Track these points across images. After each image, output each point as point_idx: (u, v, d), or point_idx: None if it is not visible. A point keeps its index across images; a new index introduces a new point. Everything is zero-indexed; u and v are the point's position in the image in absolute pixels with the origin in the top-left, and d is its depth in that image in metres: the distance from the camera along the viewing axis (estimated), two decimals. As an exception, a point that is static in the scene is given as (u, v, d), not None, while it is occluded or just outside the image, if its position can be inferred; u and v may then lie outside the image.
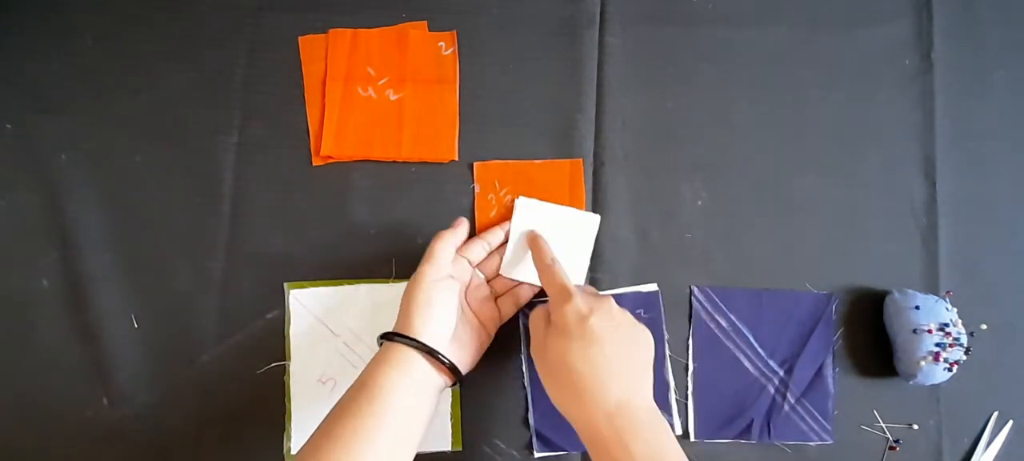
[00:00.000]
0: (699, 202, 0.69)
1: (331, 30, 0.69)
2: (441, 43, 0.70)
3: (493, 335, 0.61)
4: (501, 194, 0.67)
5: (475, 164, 0.68)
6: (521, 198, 0.64)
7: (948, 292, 0.67)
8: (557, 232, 0.63)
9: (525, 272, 0.63)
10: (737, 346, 0.67)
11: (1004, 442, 0.67)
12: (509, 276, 0.64)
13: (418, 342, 0.54)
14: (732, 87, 0.70)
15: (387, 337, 0.55)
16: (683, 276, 0.67)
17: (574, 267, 0.64)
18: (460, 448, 0.65)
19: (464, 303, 0.61)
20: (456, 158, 0.68)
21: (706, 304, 0.67)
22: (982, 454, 0.67)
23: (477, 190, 0.67)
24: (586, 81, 0.69)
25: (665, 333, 0.66)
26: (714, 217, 0.68)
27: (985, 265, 0.69)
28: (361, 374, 0.54)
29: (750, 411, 0.66)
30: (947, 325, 0.62)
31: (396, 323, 0.56)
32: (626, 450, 0.47)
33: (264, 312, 0.66)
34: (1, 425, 0.65)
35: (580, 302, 0.53)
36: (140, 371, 0.65)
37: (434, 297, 0.56)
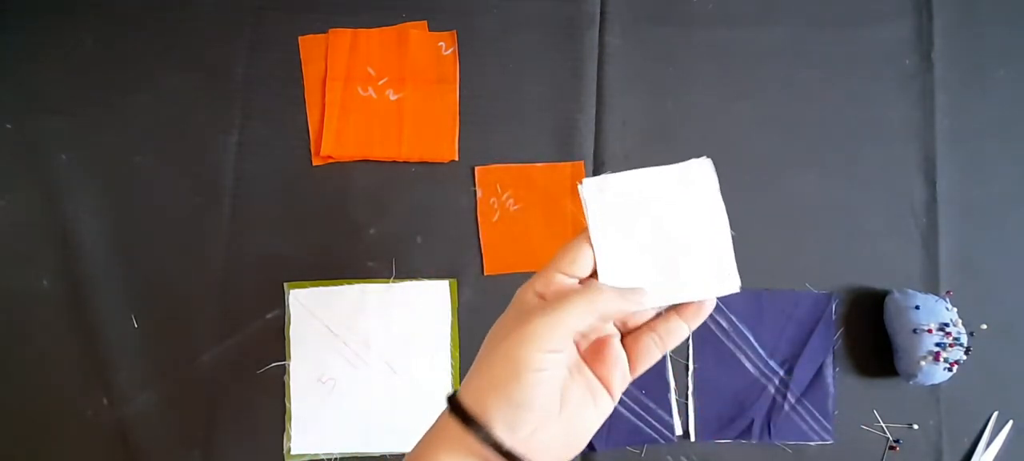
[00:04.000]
0: (699, 202, 0.69)
1: (331, 30, 0.69)
2: (441, 43, 0.70)
3: (617, 399, 0.40)
4: (503, 198, 0.67)
5: (476, 168, 0.68)
6: (588, 182, 0.41)
7: (948, 292, 0.67)
8: (663, 210, 0.41)
9: (679, 286, 0.40)
10: (737, 346, 0.67)
11: (1004, 442, 0.67)
12: (661, 303, 0.40)
13: (505, 450, 0.35)
14: (732, 87, 0.70)
15: (460, 414, 0.36)
16: (683, 276, 0.67)
17: (712, 249, 0.42)
18: (460, 448, 0.65)
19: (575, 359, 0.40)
20: (456, 158, 0.68)
21: (706, 304, 0.67)
22: (982, 454, 0.67)
23: (479, 195, 0.67)
24: (586, 81, 0.69)
25: (665, 333, 0.66)
26: (714, 217, 0.68)
27: (985, 265, 0.69)
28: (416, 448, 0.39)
29: (750, 411, 0.66)
30: (947, 325, 0.62)
31: (468, 386, 0.38)
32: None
33: (264, 312, 0.66)
34: (1, 425, 0.64)
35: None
36: (140, 371, 0.65)
37: (537, 392, 0.36)
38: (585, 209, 0.41)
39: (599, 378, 0.40)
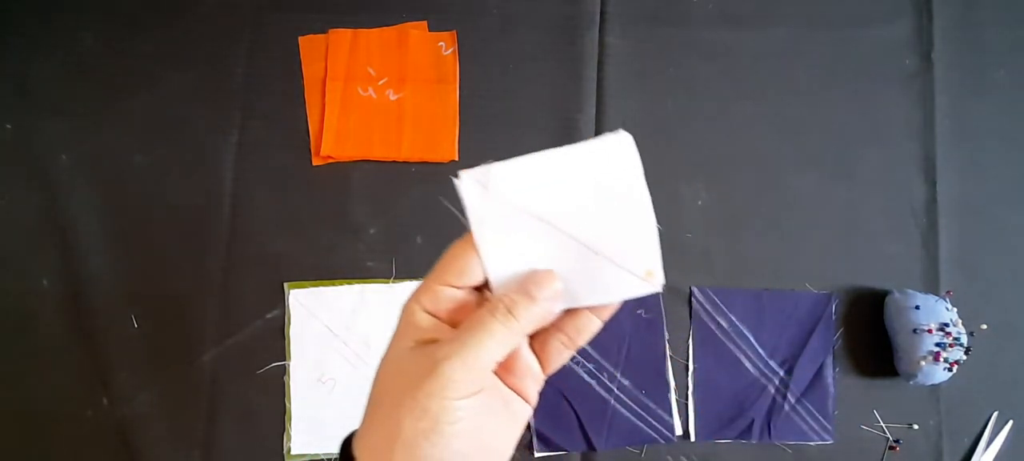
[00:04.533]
0: (699, 202, 0.69)
1: (331, 30, 0.69)
2: (441, 43, 0.70)
3: (535, 403, 0.36)
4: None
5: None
6: (466, 174, 0.34)
7: (948, 292, 0.67)
8: (572, 199, 0.34)
9: (591, 287, 0.35)
10: (737, 346, 0.67)
11: (1004, 442, 0.67)
12: (574, 305, 0.35)
13: None
14: (732, 87, 0.70)
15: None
16: (683, 276, 0.67)
17: (633, 242, 0.35)
18: (460, 448, 0.65)
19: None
20: (456, 158, 0.68)
21: (706, 305, 0.67)
22: (982, 454, 0.67)
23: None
24: (586, 81, 0.69)
25: (665, 333, 0.66)
26: (714, 217, 0.68)
27: (985, 265, 0.69)
28: None
29: (750, 411, 0.66)
30: (947, 325, 0.62)
31: (366, 438, 0.32)
32: None
33: (264, 312, 0.66)
34: (1, 425, 0.64)
35: None
36: (140, 371, 0.65)
37: (455, 445, 0.31)
38: (465, 208, 0.34)
39: (511, 388, 0.35)
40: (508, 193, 0.34)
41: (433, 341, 0.32)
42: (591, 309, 0.35)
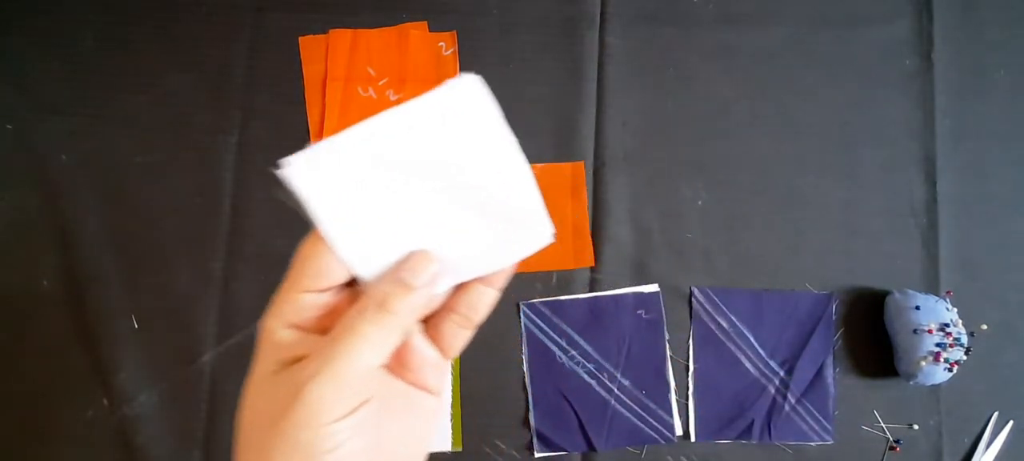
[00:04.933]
0: (699, 202, 0.69)
1: (331, 30, 0.69)
2: (441, 43, 0.70)
3: (442, 394, 0.33)
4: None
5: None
6: (293, 161, 0.29)
7: (948, 292, 0.67)
8: (428, 162, 0.30)
9: (475, 255, 0.31)
10: (737, 346, 0.67)
11: (1004, 442, 0.67)
12: (461, 280, 0.32)
13: None
14: (732, 87, 0.70)
15: None
16: (683, 276, 0.67)
17: (508, 195, 0.31)
18: (460, 448, 0.65)
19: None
20: (456, 158, 0.68)
21: (706, 305, 0.67)
22: (982, 454, 0.67)
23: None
24: (586, 81, 0.69)
25: (665, 333, 0.66)
26: (714, 217, 0.68)
27: (985, 265, 0.69)
28: None
29: (750, 411, 0.66)
30: (947, 325, 0.62)
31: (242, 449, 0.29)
32: None
33: (264, 312, 0.66)
34: (1, 425, 0.64)
35: None
36: (140, 371, 0.65)
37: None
38: (301, 199, 0.30)
39: (411, 384, 0.31)
40: (351, 170, 0.29)
41: (299, 359, 0.27)
42: (481, 280, 0.31)
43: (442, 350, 0.31)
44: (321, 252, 0.29)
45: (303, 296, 0.29)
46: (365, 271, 0.29)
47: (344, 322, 0.28)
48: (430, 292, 0.29)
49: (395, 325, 0.28)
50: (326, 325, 0.28)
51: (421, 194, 0.29)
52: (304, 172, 0.29)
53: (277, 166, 0.28)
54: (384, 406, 0.29)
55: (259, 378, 0.28)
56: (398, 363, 0.30)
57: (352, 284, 0.30)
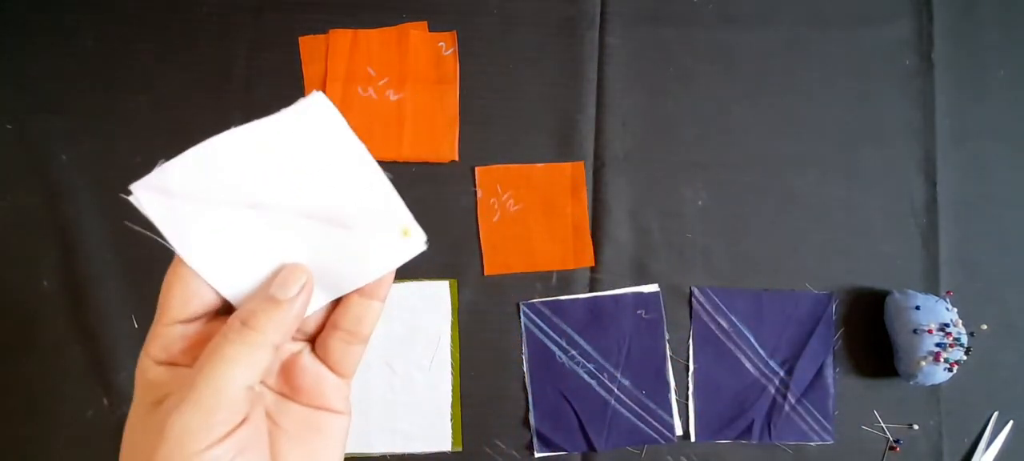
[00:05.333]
0: (699, 202, 0.69)
1: (331, 30, 0.69)
2: (441, 43, 0.70)
3: (350, 410, 0.31)
4: (503, 198, 0.67)
5: (477, 169, 0.67)
6: (139, 186, 0.30)
7: (948, 292, 0.67)
8: (283, 179, 0.30)
9: (348, 268, 0.31)
10: (737, 346, 0.67)
11: (1004, 442, 0.67)
12: (339, 294, 0.31)
13: None
14: (732, 87, 0.70)
15: None
16: (683, 276, 0.67)
17: (371, 205, 0.32)
18: (460, 448, 0.65)
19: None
20: (456, 158, 0.68)
21: (706, 305, 0.67)
22: (982, 454, 0.67)
23: (479, 195, 0.67)
24: (586, 81, 0.69)
25: (665, 333, 0.66)
26: (714, 217, 0.68)
27: (985, 265, 0.69)
28: None
29: (750, 411, 0.66)
30: (947, 325, 0.62)
31: None
32: None
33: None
34: (2, 425, 0.64)
35: None
36: (140, 371, 0.65)
37: None
38: (156, 225, 0.30)
39: (311, 406, 0.30)
40: (202, 190, 0.29)
41: (169, 395, 0.26)
42: (361, 293, 0.30)
43: (334, 369, 0.30)
44: (184, 278, 0.29)
45: (172, 328, 0.28)
46: (231, 292, 0.29)
47: (209, 347, 0.27)
48: (300, 306, 0.28)
49: (261, 342, 0.27)
50: (198, 357, 0.27)
51: (283, 212, 0.29)
52: (151, 196, 0.29)
53: (128, 192, 0.28)
54: (280, 431, 0.29)
55: (134, 419, 0.27)
56: (289, 386, 0.30)
57: (229, 312, 0.29)
